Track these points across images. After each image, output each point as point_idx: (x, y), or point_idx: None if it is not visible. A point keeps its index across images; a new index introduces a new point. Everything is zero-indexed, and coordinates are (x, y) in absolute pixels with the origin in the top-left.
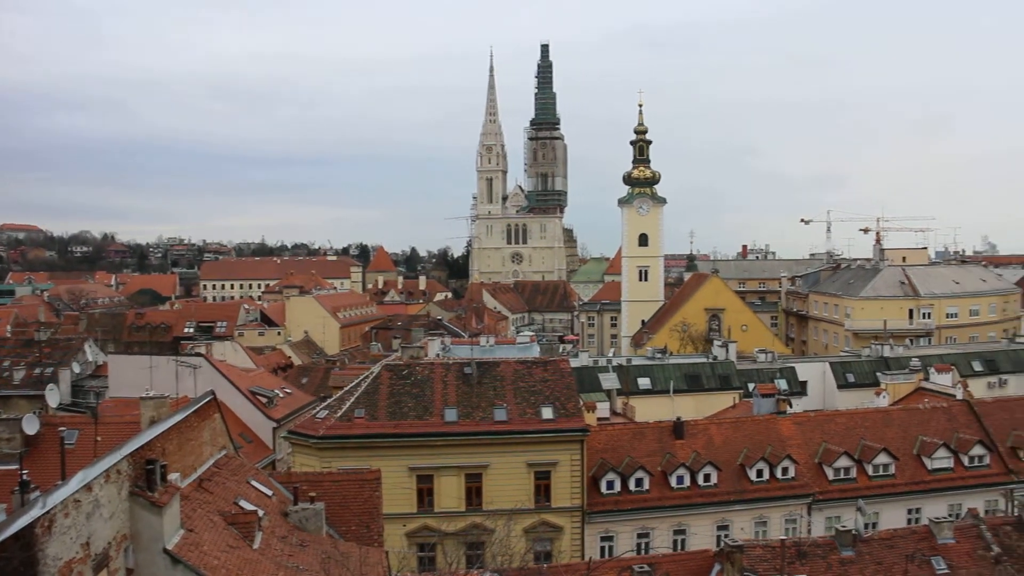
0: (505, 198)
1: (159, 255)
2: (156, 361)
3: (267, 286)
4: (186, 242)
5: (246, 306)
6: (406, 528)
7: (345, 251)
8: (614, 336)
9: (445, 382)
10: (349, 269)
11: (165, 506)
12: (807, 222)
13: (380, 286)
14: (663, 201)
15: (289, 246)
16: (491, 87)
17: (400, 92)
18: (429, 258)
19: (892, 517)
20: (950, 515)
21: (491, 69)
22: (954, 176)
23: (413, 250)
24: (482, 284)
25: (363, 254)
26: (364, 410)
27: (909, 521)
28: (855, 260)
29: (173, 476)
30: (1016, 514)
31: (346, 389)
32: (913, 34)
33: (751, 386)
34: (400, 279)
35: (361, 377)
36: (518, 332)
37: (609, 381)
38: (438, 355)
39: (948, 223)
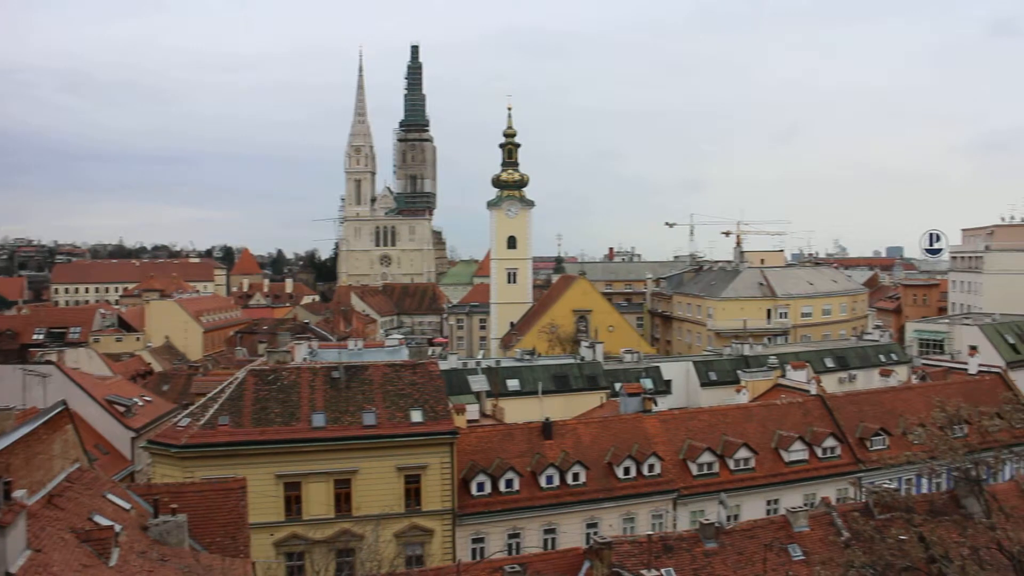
0: (374, 200)
1: (4, 257)
2: (1, 371)
3: (125, 289)
4: (35, 243)
5: (102, 311)
6: (274, 537)
7: (208, 253)
8: (483, 338)
9: (312, 387)
10: (213, 272)
11: (8, 526)
12: (671, 225)
13: (245, 289)
14: (531, 204)
15: (149, 248)
16: (360, 87)
17: (265, 90)
18: (296, 261)
19: (753, 508)
20: (805, 504)
21: (360, 69)
22: (808, 183)
23: (280, 252)
24: (350, 287)
25: (227, 256)
26: (228, 417)
27: (768, 512)
28: (717, 262)
29: (19, 493)
30: (864, 500)
31: (209, 396)
32: (771, 45)
33: (618, 386)
34: (266, 282)
35: (225, 383)
36: (387, 335)
37: (478, 383)
38: (305, 359)
39: (803, 227)
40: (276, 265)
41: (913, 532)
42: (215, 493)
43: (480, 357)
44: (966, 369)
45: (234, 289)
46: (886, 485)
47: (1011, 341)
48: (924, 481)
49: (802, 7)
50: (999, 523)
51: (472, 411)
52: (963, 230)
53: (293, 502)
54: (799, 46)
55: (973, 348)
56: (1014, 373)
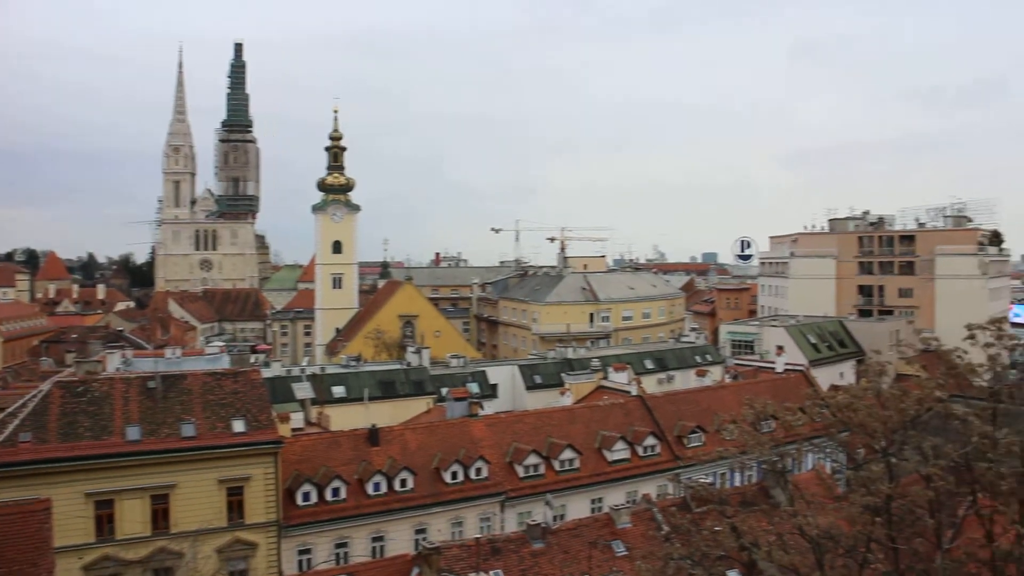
0: (194, 202)
1: None
2: None
3: None
4: None
5: None
6: (83, 561)
7: (9, 257)
8: (308, 345)
9: (126, 398)
10: (14, 277)
11: None
12: (497, 231)
13: (51, 295)
14: (357, 208)
15: None
16: (180, 84)
17: (73, 84)
18: (109, 265)
19: (578, 508)
20: (628, 501)
21: (180, 65)
22: (632, 191)
23: (91, 256)
24: (168, 293)
25: (31, 260)
26: (31, 433)
27: (593, 510)
28: (541, 268)
29: None
30: (682, 495)
31: (9, 411)
32: (602, 57)
33: (444, 391)
34: (75, 288)
35: (28, 396)
36: (207, 343)
37: (303, 391)
38: (118, 369)
39: (625, 234)
40: (87, 269)
41: (726, 523)
42: (15, 516)
43: (305, 364)
44: (774, 368)
45: (39, 295)
46: (702, 480)
47: (813, 341)
48: (737, 475)
49: (633, 21)
50: (801, 510)
51: (297, 419)
52: (771, 237)
53: (105, 521)
54: (628, 60)
55: (780, 348)
56: (816, 370)
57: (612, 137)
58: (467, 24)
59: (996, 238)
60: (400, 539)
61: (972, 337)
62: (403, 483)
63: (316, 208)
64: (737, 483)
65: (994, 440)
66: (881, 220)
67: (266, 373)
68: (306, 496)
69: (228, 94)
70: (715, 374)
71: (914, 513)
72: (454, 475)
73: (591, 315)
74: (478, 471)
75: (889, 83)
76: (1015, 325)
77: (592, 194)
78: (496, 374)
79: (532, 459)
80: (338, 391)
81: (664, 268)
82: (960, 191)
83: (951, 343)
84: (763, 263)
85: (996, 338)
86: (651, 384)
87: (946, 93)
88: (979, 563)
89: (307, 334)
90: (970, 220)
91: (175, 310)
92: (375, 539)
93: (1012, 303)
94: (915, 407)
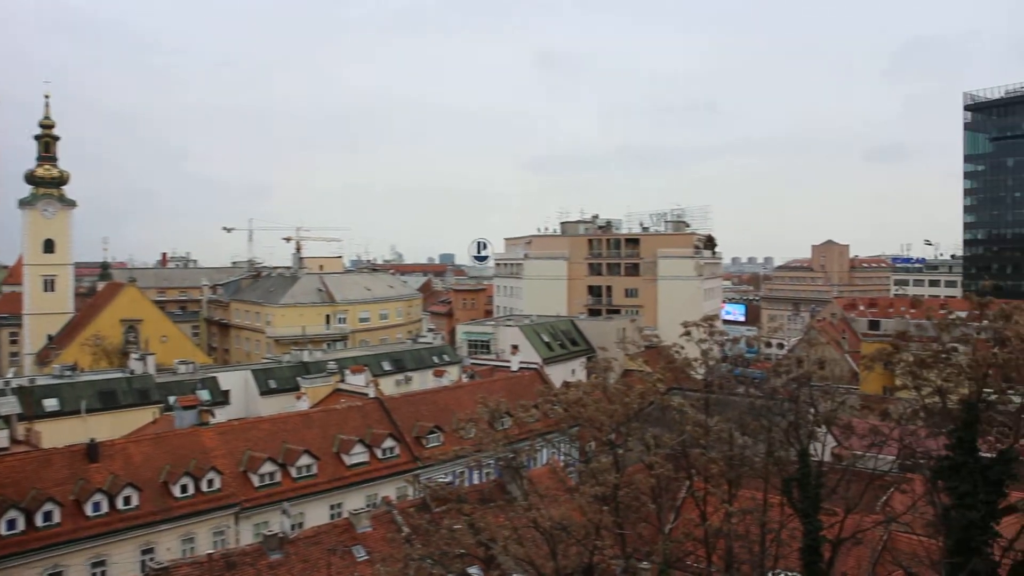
0: None
1: None
2: None
3: None
4: None
5: None
6: None
7: None
8: (15, 354)
9: None
10: None
11: None
12: (229, 230)
13: None
14: (73, 204)
15: None
16: None
17: None
18: None
19: (317, 515)
20: (368, 505)
21: None
22: (372, 191)
23: None
24: None
25: None
26: None
27: (332, 516)
28: (276, 268)
29: None
30: (421, 496)
31: None
32: (349, 54)
33: (172, 399)
34: None
35: None
36: None
37: (8, 406)
38: None
39: (363, 233)
40: None
41: (464, 520)
42: None
43: (11, 376)
44: (509, 367)
45: None
46: (441, 479)
47: (546, 340)
48: (475, 473)
49: (380, 22)
50: (535, 503)
51: (1, 438)
52: (506, 240)
53: None
54: (375, 59)
55: (515, 347)
56: (549, 368)
57: (357, 135)
58: (209, 9)
59: (710, 242)
60: (124, 562)
61: (687, 334)
62: (127, 501)
63: (24, 203)
64: (475, 481)
65: (706, 428)
66: (609, 224)
67: None
68: (11, 524)
69: None
70: (452, 374)
71: (639, 500)
72: (184, 488)
73: (327, 317)
74: (210, 482)
75: (625, 98)
76: (726, 322)
77: (331, 194)
78: (228, 380)
79: (267, 467)
80: (50, 404)
81: (402, 269)
82: (680, 198)
83: (670, 340)
84: (499, 264)
85: (708, 334)
86: (389, 386)
87: (673, 112)
88: (695, 541)
89: (13, 342)
90: (687, 225)
91: None
92: (96, 564)
93: (724, 302)
94: (638, 401)
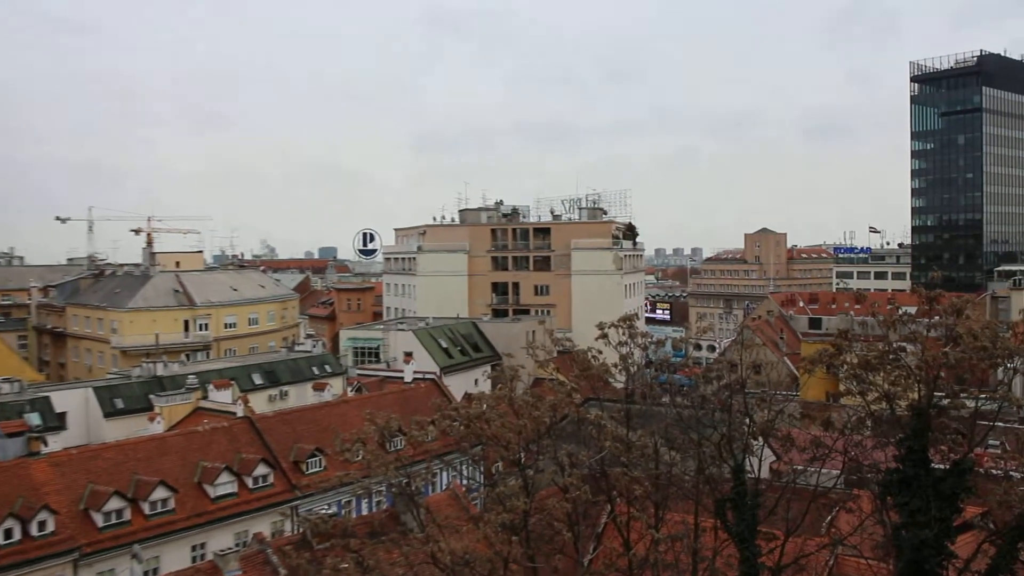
0: None
1: None
2: None
3: None
4: None
5: None
6: None
7: None
8: None
9: None
10: None
11: None
12: (64, 220)
13: None
14: None
15: None
16: None
17: None
18: None
19: (176, 558)
20: (237, 544)
21: None
22: (235, 176)
23: None
24: None
25: None
26: None
27: (195, 559)
28: (123, 266)
29: None
30: (300, 531)
31: None
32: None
33: None
34: None
35: None
36: None
37: None
38: None
39: (227, 225)
40: None
41: (352, 558)
42: None
43: None
44: (402, 377)
45: None
46: (324, 511)
47: (444, 346)
48: (364, 502)
49: None
50: (433, 535)
51: None
52: (396, 230)
53: None
54: (243, 21)
55: (408, 355)
56: (448, 378)
57: (211, 110)
58: None
59: (631, 231)
60: None
61: (605, 336)
62: None
63: None
64: (364, 511)
65: (628, 443)
66: (515, 211)
67: None
68: None
69: None
70: (336, 387)
71: (553, 528)
72: (8, 533)
73: (186, 323)
74: (42, 525)
75: (531, 66)
76: (649, 322)
77: (188, 178)
78: (64, 400)
79: (114, 503)
80: None
81: (274, 265)
82: (597, 182)
83: (586, 343)
84: (388, 259)
85: (629, 336)
86: (261, 402)
87: (589, 85)
88: (618, 572)
89: None
90: (605, 212)
91: None
92: None
93: (647, 299)
94: (550, 414)
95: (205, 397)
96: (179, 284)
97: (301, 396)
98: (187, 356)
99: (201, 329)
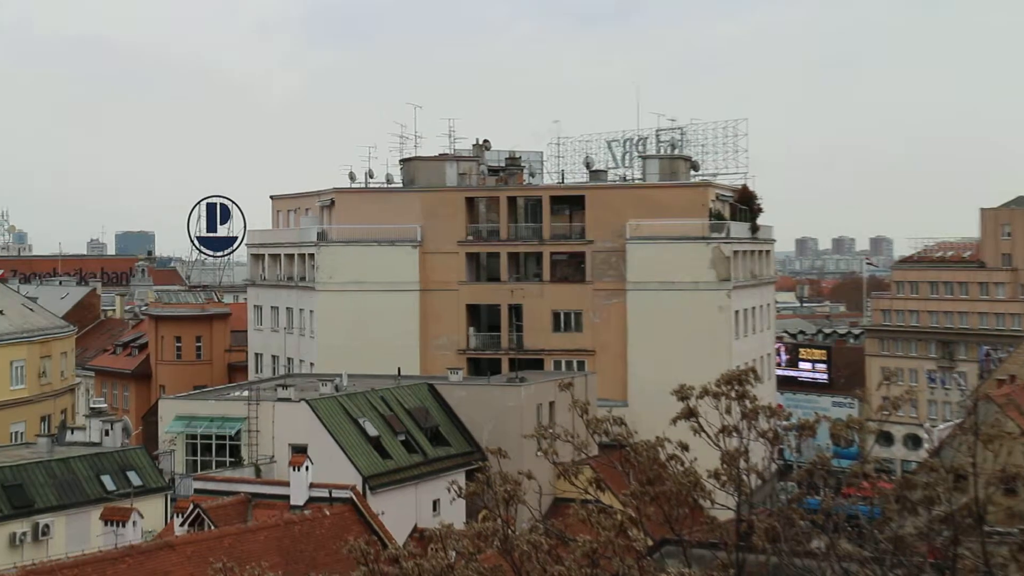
0: None
1: None
2: None
3: None
4: None
5: None
6: None
7: None
8: None
9: None
10: None
11: None
12: None
13: None
14: None
15: None
16: None
17: None
18: None
19: None
20: None
21: None
22: None
23: None
24: None
25: None
26: None
27: None
28: None
29: None
30: None
31: None
32: None
33: None
34: None
35: None
36: None
37: None
38: None
39: None
40: None
41: None
42: None
43: None
44: (287, 496)
45: None
46: None
47: (373, 432)
48: None
49: None
50: None
51: None
52: (274, 198)
53: None
54: None
55: (299, 452)
56: (379, 497)
57: None
58: None
59: (747, 204)
60: None
61: (692, 415)
62: None
63: None
64: None
65: None
66: (515, 161)
67: None
68: None
69: None
70: (152, 516)
71: None
72: None
73: None
74: None
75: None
76: (785, 384)
77: None
78: None
79: None
80: None
81: (26, 267)
82: (674, 106)
83: (656, 428)
84: (257, 256)
85: (742, 415)
86: None
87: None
88: None
89: None
90: (695, 166)
91: None
92: None
93: (780, 338)
94: (586, 573)
95: None
96: None
97: (79, 534)
98: None
99: None
